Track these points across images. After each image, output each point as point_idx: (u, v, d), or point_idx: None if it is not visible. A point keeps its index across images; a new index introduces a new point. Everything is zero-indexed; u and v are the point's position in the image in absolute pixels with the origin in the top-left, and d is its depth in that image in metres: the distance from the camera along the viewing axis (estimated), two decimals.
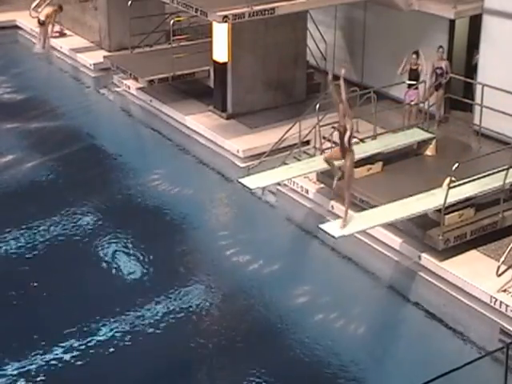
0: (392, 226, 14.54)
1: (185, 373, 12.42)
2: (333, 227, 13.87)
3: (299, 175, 16.00)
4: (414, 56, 18.02)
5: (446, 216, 14.01)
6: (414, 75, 18.12)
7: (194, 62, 21.01)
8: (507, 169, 14.54)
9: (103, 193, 17.49)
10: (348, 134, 13.63)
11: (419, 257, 14.19)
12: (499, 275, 13.47)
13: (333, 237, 13.61)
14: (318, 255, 15.51)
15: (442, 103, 18.55)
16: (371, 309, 13.93)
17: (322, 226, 14.03)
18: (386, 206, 14.31)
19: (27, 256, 15.13)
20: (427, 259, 14.09)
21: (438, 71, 18.16)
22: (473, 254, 14.17)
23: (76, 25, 26.31)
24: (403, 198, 14.38)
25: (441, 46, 18.24)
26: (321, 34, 21.57)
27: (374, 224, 14.05)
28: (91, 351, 12.70)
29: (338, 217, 15.25)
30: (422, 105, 18.22)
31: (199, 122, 19.78)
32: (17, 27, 27.87)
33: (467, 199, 14.40)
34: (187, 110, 20.40)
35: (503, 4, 17.52)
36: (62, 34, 26.07)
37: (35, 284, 14.27)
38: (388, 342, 13.04)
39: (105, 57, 23.15)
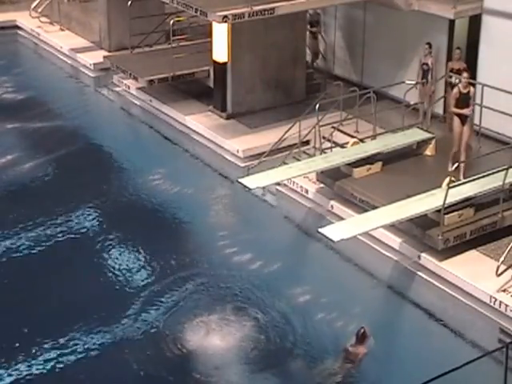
0: (392, 226, 14.53)
1: (185, 374, 12.43)
2: (332, 231, 13.83)
3: (299, 175, 15.99)
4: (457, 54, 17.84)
5: (446, 216, 14.00)
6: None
7: (193, 62, 20.99)
8: (507, 169, 14.53)
9: (103, 193, 17.49)
10: None
11: (419, 257, 14.19)
12: (499, 275, 13.48)
13: (331, 241, 13.59)
14: (318, 255, 15.50)
15: (434, 100, 18.47)
16: (370, 308, 13.92)
17: (321, 230, 13.95)
18: (384, 207, 14.30)
19: (26, 256, 15.14)
20: (427, 259, 14.09)
21: (425, 67, 18.19)
22: (472, 254, 14.17)
23: (76, 25, 26.33)
24: (403, 198, 14.39)
25: (428, 43, 18.29)
26: (321, 34, 21.56)
27: (372, 227, 14.00)
28: (89, 352, 12.72)
29: (338, 217, 15.31)
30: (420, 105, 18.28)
31: (199, 122, 19.78)
32: (17, 27, 27.90)
33: (467, 199, 14.40)
34: (187, 110, 20.40)
35: (503, 4, 17.54)
36: None
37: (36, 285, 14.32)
38: (387, 341, 13.02)
39: (105, 57, 23.14)
